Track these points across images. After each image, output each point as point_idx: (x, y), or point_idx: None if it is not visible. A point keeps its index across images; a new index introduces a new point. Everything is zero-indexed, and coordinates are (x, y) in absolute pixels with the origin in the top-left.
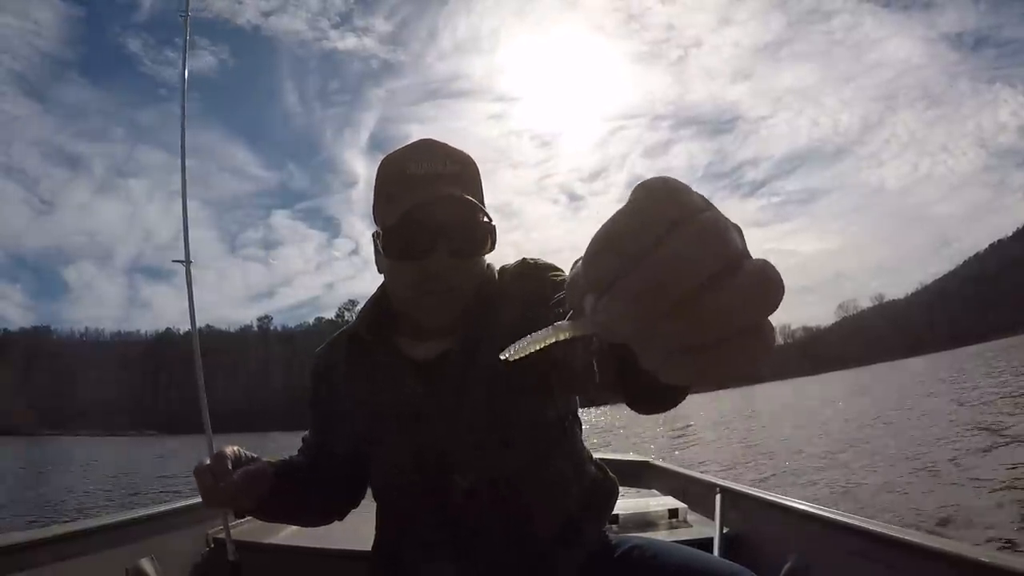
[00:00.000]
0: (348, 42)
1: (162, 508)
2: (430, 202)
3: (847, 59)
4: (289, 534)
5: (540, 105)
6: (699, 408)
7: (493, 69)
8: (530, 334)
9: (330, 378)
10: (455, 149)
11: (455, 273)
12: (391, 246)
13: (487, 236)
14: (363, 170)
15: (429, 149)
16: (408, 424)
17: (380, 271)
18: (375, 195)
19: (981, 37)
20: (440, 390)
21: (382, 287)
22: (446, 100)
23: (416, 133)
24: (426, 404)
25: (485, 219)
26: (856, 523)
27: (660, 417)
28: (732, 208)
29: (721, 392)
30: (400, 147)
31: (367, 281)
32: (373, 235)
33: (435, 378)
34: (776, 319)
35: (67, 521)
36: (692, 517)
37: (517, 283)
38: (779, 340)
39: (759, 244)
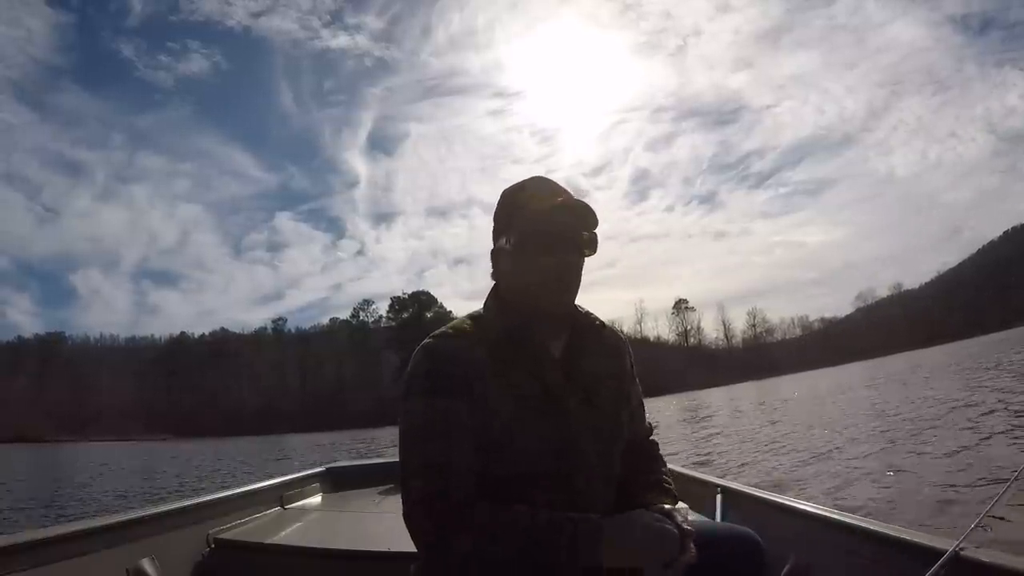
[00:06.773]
0: (340, 40)
1: (162, 508)
2: (572, 204)
3: (850, 44)
4: (289, 534)
5: (539, 100)
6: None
7: (490, 64)
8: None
9: (478, 368)
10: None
11: (580, 270)
12: (538, 242)
13: (597, 243)
14: (363, 170)
15: (545, 181)
16: (552, 410)
17: (498, 279)
18: (503, 214)
19: (987, 19)
20: (576, 386)
21: (496, 296)
22: (444, 97)
23: (415, 131)
24: (568, 393)
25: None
26: (856, 523)
27: (678, 408)
28: (740, 201)
29: (745, 383)
30: (517, 183)
31: (374, 281)
32: (498, 248)
33: (572, 372)
34: (793, 311)
35: (68, 521)
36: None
37: (608, 333)
38: (797, 332)
39: (768, 237)
